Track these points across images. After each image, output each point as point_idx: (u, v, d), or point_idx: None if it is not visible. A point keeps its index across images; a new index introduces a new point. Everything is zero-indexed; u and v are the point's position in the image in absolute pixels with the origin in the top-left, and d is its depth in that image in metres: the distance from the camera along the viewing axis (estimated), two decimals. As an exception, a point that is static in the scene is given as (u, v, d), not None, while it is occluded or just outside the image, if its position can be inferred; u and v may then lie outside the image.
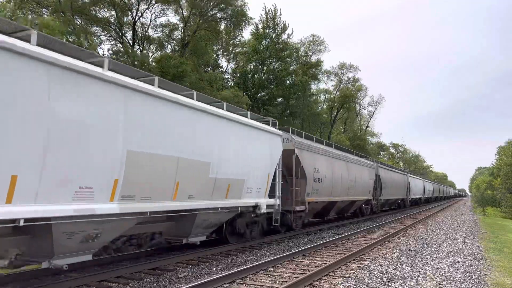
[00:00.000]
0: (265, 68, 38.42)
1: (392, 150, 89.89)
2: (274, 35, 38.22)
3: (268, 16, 38.28)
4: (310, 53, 45.91)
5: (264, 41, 38.00)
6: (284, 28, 38.61)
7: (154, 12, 30.48)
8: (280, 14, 38.86)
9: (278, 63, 38.59)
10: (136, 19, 29.47)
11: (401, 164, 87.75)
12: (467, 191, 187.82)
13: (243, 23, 33.75)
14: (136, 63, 25.13)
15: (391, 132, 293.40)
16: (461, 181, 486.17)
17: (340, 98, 54.67)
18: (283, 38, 38.73)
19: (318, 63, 44.74)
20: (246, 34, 40.09)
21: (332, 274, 8.18)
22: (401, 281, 7.69)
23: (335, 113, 55.70)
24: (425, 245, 12.99)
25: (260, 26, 38.09)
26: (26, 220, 5.47)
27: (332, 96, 55.68)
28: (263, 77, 38.18)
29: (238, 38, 38.74)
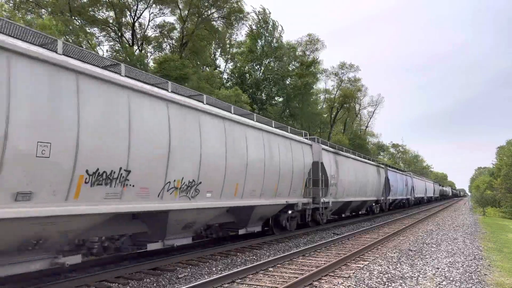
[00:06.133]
0: (262, 68, 38.46)
1: (391, 150, 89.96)
2: (267, 34, 38.48)
3: (259, 16, 38.56)
4: (307, 53, 45.87)
5: (259, 41, 38.18)
6: (274, 26, 38.79)
7: (153, 12, 30.49)
8: (270, 13, 39.18)
9: (277, 63, 38.62)
10: (135, 20, 29.46)
11: (401, 164, 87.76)
12: (467, 191, 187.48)
13: (241, 20, 33.80)
14: (134, 58, 25.12)
15: (391, 132, 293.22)
16: (461, 181, 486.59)
17: (340, 98, 54.58)
18: (275, 37, 38.94)
19: (315, 61, 44.71)
20: (243, 32, 40.18)
21: (332, 274, 8.17)
22: (401, 281, 7.68)
23: (335, 113, 55.62)
24: (425, 245, 12.99)
25: (253, 27, 38.42)
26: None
27: (332, 96, 55.62)
28: (261, 77, 38.22)
29: (234, 37, 38.88)
